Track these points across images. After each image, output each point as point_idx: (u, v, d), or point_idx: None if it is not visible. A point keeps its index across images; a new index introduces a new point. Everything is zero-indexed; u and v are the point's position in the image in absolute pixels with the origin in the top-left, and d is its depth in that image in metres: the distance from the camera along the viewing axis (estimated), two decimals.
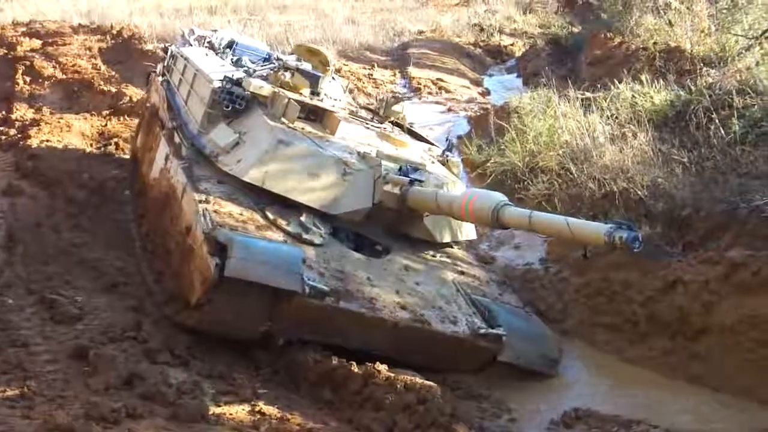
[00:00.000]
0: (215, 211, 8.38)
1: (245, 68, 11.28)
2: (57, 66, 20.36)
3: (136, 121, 16.62)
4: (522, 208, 8.39)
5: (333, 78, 11.78)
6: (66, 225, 11.44)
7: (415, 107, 18.92)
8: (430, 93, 21.41)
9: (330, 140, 9.91)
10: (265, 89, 10.19)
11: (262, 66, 11.51)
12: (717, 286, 8.86)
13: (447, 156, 11.09)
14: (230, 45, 12.92)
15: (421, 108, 19.35)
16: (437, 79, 22.44)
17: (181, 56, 12.27)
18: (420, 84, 21.89)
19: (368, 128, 10.79)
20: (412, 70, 23.26)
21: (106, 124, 16.54)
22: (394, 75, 23.25)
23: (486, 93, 22.34)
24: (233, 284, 7.61)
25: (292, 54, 12.28)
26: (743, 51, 13.36)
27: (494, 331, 8.54)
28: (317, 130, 10.07)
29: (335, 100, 11.20)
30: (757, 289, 8.54)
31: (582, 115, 13.10)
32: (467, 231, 10.33)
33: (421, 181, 9.31)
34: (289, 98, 9.99)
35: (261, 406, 7.23)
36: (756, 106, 11.16)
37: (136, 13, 29.23)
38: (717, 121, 11.20)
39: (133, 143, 13.97)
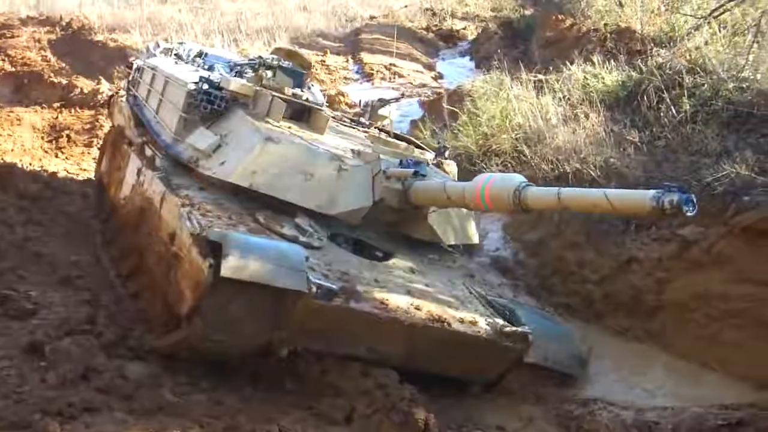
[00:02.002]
0: (202, 215, 7.70)
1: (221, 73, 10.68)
2: (6, 59, 20.21)
3: (89, 112, 16.53)
4: (547, 187, 7.98)
5: (312, 85, 11.25)
6: (18, 219, 11.28)
7: (369, 93, 18.93)
8: (383, 78, 21.40)
9: (320, 140, 9.37)
10: (247, 88, 9.56)
11: (240, 67, 11.06)
12: (670, 263, 8.99)
13: (441, 159, 10.46)
14: (199, 55, 12.33)
15: (374, 93, 19.35)
16: (390, 64, 22.42)
17: (149, 67, 11.60)
18: (373, 69, 21.87)
19: (356, 131, 10.50)
20: (365, 56, 23.23)
21: (57, 117, 16.42)
22: (347, 61, 23.22)
23: (439, 77, 22.38)
24: (229, 288, 6.82)
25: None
26: (692, 30, 13.44)
27: (520, 329, 7.95)
28: (304, 130, 9.51)
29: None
30: (709, 265, 8.66)
31: (534, 97, 13.14)
32: (471, 233, 9.78)
33: (423, 175, 8.63)
34: (274, 96, 9.48)
35: (220, 397, 7.22)
36: (705, 85, 11.25)
37: (85, 4, 28.86)
38: (668, 100, 11.28)
39: (96, 169, 13.21)
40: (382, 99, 11.68)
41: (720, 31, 12.98)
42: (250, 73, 10.31)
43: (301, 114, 9.91)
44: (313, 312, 7.07)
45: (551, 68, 14.91)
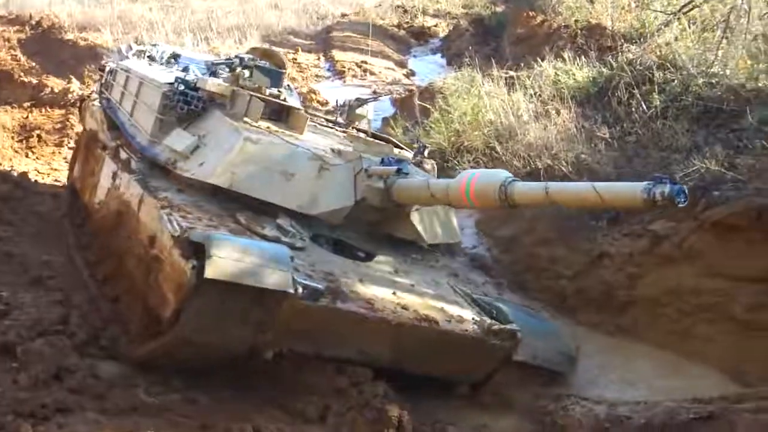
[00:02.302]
0: (182, 217, 7.45)
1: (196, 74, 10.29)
2: None
3: (59, 112, 16.43)
4: (534, 182, 7.80)
5: (288, 86, 11.14)
6: None
7: (340, 90, 18.93)
8: (354, 76, 21.41)
9: (299, 139, 9.13)
10: (224, 88, 9.34)
11: (216, 67, 10.71)
12: (641, 258, 9.03)
13: (421, 158, 10.21)
14: (173, 57, 12.07)
15: (345, 91, 19.35)
16: (361, 61, 22.44)
17: (122, 70, 11.34)
18: (344, 67, 21.88)
19: (335, 131, 10.35)
20: (336, 54, 23.23)
21: (27, 116, 16.31)
22: (318, 59, 23.22)
23: (410, 74, 22.41)
24: (212, 289, 6.60)
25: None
26: (662, 27, 13.50)
27: (508, 327, 7.82)
28: (283, 130, 9.25)
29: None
30: (680, 260, 8.71)
31: (506, 93, 13.18)
32: (453, 231, 9.66)
33: (406, 173, 8.46)
34: (251, 95, 9.24)
35: (194, 396, 7.19)
36: (675, 81, 11.31)
37: (55, 2, 28.70)
38: (638, 96, 11.33)
39: (69, 175, 12.81)
40: (360, 98, 11.38)
41: (689, 27, 13.06)
42: (225, 73, 10.12)
43: (280, 114, 9.66)
44: (298, 313, 6.91)
45: (522, 65, 14.96)
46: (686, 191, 5.92)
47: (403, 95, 18.28)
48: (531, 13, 19.24)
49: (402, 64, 23.60)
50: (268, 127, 9.10)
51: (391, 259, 8.70)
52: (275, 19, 27.41)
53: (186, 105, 9.24)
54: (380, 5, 31.03)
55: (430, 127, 13.68)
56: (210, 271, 6.45)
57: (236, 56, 10.63)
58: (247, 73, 9.73)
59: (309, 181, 8.50)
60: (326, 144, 9.30)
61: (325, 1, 31.71)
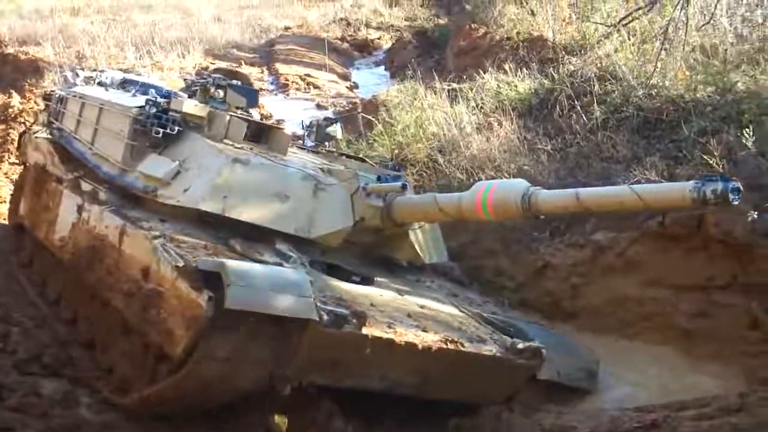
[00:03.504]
0: (177, 246, 7.00)
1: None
2: None
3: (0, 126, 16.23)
4: (560, 190, 7.43)
5: None
6: None
7: (284, 104, 18.89)
8: (298, 89, 21.37)
9: (285, 160, 8.72)
10: (201, 108, 8.91)
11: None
12: (584, 268, 9.10)
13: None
14: (125, 82, 11.56)
15: (289, 105, 19.32)
16: (305, 74, 22.40)
17: (75, 97, 10.81)
18: (288, 80, 21.83)
19: (312, 151, 9.98)
20: (280, 67, 23.19)
21: None
22: (262, 72, 23.13)
23: (354, 87, 22.42)
24: (230, 321, 6.13)
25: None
26: (602, 38, 13.61)
27: (533, 344, 7.46)
28: (266, 152, 8.85)
29: None
30: (622, 269, 8.79)
31: (449, 106, 13.22)
32: (443, 251, 9.32)
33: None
34: (232, 116, 8.95)
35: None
36: (616, 92, 11.42)
37: None
38: (579, 108, 11.44)
39: (12, 212, 12.13)
40: (328, 118, 11.07)
41: (629, 38, 13.18)
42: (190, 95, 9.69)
43: (259, 134, 9.32)
44: (321, 341, 6.38)
45: (465, 77, 15.01)
46: (741, 188, 5.72)
47: (347, 107, 18.26)
48: (473, 26, 19.27)
49: (345, 77, 23.60)
50: (251, 149, 8.71)
51: (391, 282, 8.37)
52: (218, 32, 27.26)
53: (161, 128, 8.69)
54: (324, 16, 31.01)
55: (374, 139, 13.68)
56: (230, 301, 5.96)
57: (205, 77, 10.20)
58: (221, 93, 9.38)
59: (305, 202, 8.12)
60: (313, 164, 8.90)
61: (269, 14, 31.63)
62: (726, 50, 11.38)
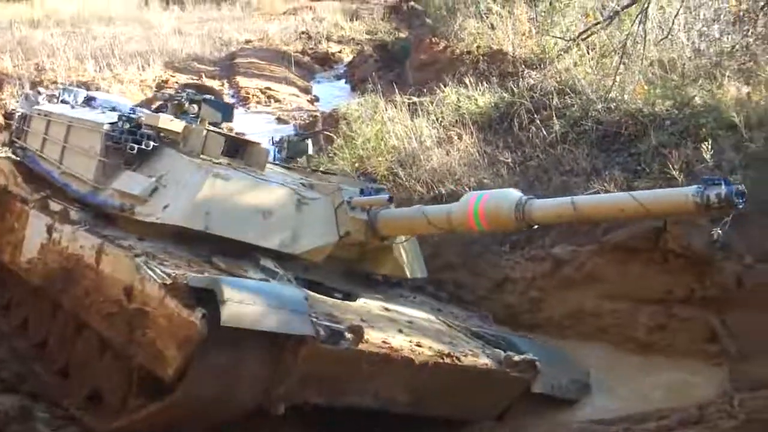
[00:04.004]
0: (160, 264, 6.88)
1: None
2: None
3: None
4: (554, 197, 7.30)
5: None
6: None
7: (244, 117, 18.83)
8: (258, 102, 21.33)
9: (264, 175, 8.55)
10: (176, 124, 8.75)
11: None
12: (543, 282, 9.11)
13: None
14: (89, 99, 11.26)
15: (250, 118, 19.27)
16: (266, 87, 22.37)
17: (40, 115, 10.56)
18: (248, 93, 21.78)
19: (285, 167, 9.77)
20: (240, 80, 23.14)
21: None
22: (222, 85, 23.06)
23: (315, 100, 22.42)
24: (224, 339, 5.98)
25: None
26: (562, 53, 13.68)
27: (528, 357, 7.41)
28: (244, 167, 8.63)
29: None
30: (581, 283, 8.81)
31: (409, 119, 13.20)
32: (423, 266, 9.08)
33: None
34: (209, 131, 8.74)
35: (94, 426, 7.06)
36: (575, 106, 11.48)
37: None
38: (539, 121, 11.48)
39: None
40: (300, 133, 10.81)
41: (588, 52, 13.26)
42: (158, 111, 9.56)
43: (235, 149, 8.99)
44: (318, 358, 6.27)
45: (425, 90, 15.00)
46: (744, 192, 5.56)
47: (308, 121, 18.24)
48: (434, 40, 19.29)
49: (306, 90, 23.60)
50: (228, 164, 8.52)
51: (376, 298, 8.23)
52: (179, 45, 27.19)
53: (136, 144, 8.50)
54: (285, 29, 31.00)
55: (334, 153, 13.64)
56: (226, 319, 5.81)
57: (182, 89, 10.09)
58: (195, 107, 9.27)
59: (288, 217, 7.95)
60: (292, 179, 8.80)
61: (229, 27, 31.62)
62: (684, 65, 11.48)
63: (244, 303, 5.92)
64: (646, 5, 11.56)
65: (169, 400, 6.30)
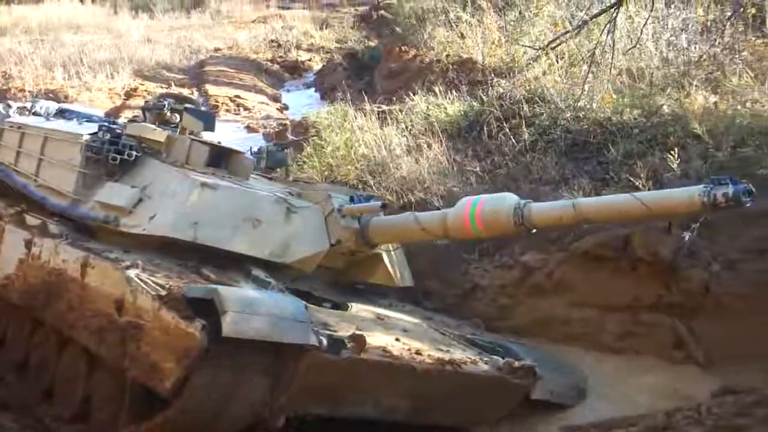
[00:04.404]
0: (151, 275, 6.68)
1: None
2: None
3: None
4: (554, 201, 7.31)
5: None
6: None
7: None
8: (228, 110, 21.28)
9: (250, 185, 8.42)
10: (159, 133, 8.59)
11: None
12: (513, 289, 9.12)
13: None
14: (61, 112, 10.91)
15: (219, 126, 19.17)
16: (235, 96, 22.35)
17: (12, 128, 10.21)
18: (218, 102, 21.74)
19: (266, 177, 9.67)
20: (210, 88, 23.10)
21: None
22: (192, 93, 22.99)
23: (284, 108, 22.42)
24: (226, 350, 5.87)
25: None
26: (531, 61, 13.73)
27: (528, 362, 7.28)
28: (228, 176, 8.49)
29: None
30: (550, 291, 8.84)
31: (378, 127, 13.22)
32: (409, 274, 8.94)
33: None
34: (192, 140, 8.61)
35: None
36: (544, 114, 11.53)
37: None
38: (508, 130, 11.51)
39: None
40: (278, 143, 10.59)
41: (557, 62, 13.31)
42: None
43: (218, 159, 8.81)
44: (320, 368, 6.14)
45: (395, 99, 15.04)
46: (752, 191, 5.55)
47: (277, 129, 18.22)
48: (403, 48, 19.32)
49: (276, 99, 23.61)
50: (212, 173, 8.38)
51: (367, 308, 8.05)
52: (148, 53, 27.12)
53: (118, 154, 8.33)
54: (255, 37, 30.97)
55: (303, 161, 13.63)
56: (228, 329, 5.68)
57: (156, 101, 9.79)
58: (177, 117, 9.08)
59: (278, 226, 7.85)
60: (277, 188, 8.66)
61: (199, 35, 31.57)
62: (652, 74, 11.57)
63: (245, 313, 5.79)
64: (614, 15, 11.62)
65: (165, 415, 6.13)
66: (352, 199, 8.15)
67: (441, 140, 11.97)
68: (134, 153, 8.39)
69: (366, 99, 14.76)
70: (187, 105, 9.47)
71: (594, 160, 10.11)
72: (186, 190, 7.77)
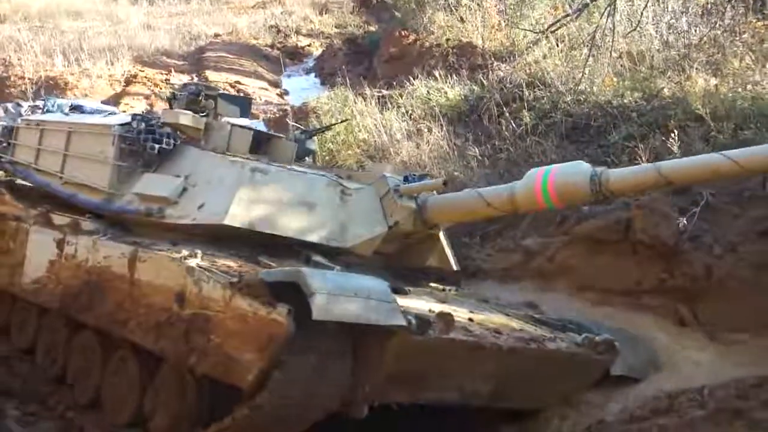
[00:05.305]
0: (211, 265, 6.36)
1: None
2: None
3: None
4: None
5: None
6: None
7: None
8: None
9: (298, 169, 7.92)
10: (198, 120, 8.22)
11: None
12: (515, 273, 9.12)
13: None
14: (75, 108, 10.50)
15: None
16: (235, 81, 22.28)
17: (30, 126, 9.96)
18: (218, 87, 21.67)
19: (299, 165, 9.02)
20: (210, 74, 23.05)
21: None
22: (192, 79, 22.93)
23: (284, 94, 22.38)
24: (314, 335, 5.51)
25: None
26: (531, 45, 13.74)
27: (607, 337, 6.88)
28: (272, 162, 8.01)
29: None
30: (552, 274, 8.84)
31: (378, 112, 13.22)
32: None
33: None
34: (233, 126, 8.31)
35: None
36: (545, 98, 11.54)
37: None
38: (508, 114, 11.52)
39: None
40: (306, 130, 10.10)
41: (557, 45, 13.31)
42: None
43: (259, 144, 8.54)
44: (408, 350, 5.74)
45: (395, 84, 15.04)
46: None
47: (277, 115, 18.20)
48: (403, 32, 19.32)
49: (276, 84, 23.53)
50: (257, 159, 7.90)
51: (424, 293, 7.48)
52: (147, 39, 27.03)
53: (156, 143, 8.12)
54: (254, 23, 30.91)
55: None
56: (318, 312, 5.25)
57: (193, 85, 9.39)
58: (212, 103, 8.71)
59: (333, 209, 7.48)
60: (323, 172, 8.15)
61: (198, 21, 31.47)
62: (652, 57, 11.56)
63: (334, 294, 5.36)
64: None
65: (248, 410, 5.71)
66: (406, 179, 7.70)
67: (441, 125, 11.97)
68: (172, 141, 8.20)
69: (366, 84, 14.76)
70: (221, 91, 9.18)
71: (595, 144, 10.11)
72: (236, 176, 7.45)
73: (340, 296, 5.36)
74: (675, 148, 8.51)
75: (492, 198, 7.06)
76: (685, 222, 7.83)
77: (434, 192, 7.67)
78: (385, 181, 7.65)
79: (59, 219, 8.35)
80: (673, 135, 8.65)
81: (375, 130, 12.57)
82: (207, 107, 8.57)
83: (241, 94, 9.19)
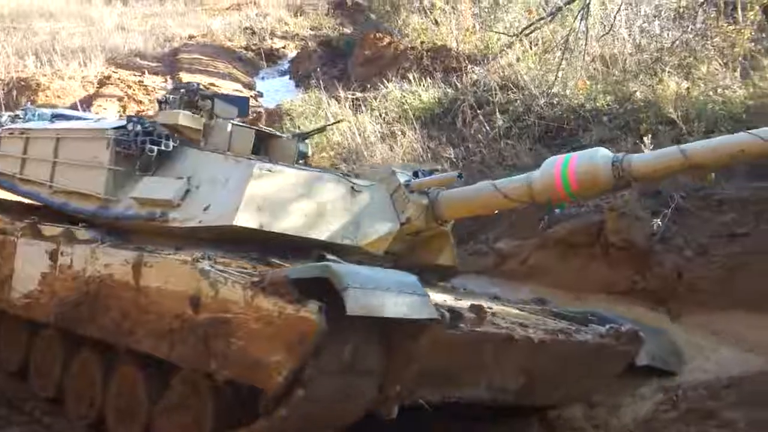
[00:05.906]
0: (225, 267, 6.03)
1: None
2: None
3: None
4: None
5: None
6: None
7: None
8: None
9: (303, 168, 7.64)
10: (197, 120, 7.90)
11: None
12: (489, 276, 9.15)
13: None
14: (57, 116, 10.46)
15: None
16: (209, 83, 22.21)
17: (12, 135, 9.58)
18: None
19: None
20: (184, 76, 23.00)
21: None
22: (166, 81, 22.92)
23: (259, 96, 22.37)
24: (346, 332, 5.19)
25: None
26: (505, 48, 13.76)
27: (631, 327, 6.69)
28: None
29: None
30: (525, 276, 8.86)
31: (353, 115, 13.22)
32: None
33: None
34: (234, 125, 8.00)
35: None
36: (518, 101, 11.57)
37: None
38: (482, 116, 11.55)
39: None
40: (300, 133, 9.86)
41: (531, 48, 13.35)
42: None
43: (257, 145, 8.23)
44: (440, 346, 5.45)
45: (369, 86, 15.05)
46: None
47: (252, 116, 18.16)
48: (378, 35, 19.31)
49: (250, 86, 23.53)
50: (260, 159, 7.51)
51: (434, 291, 6.94)
52: (121, 41, 26.96)
53: (155, 146, 7.67)
54: (229, 25, 30.85)
55: None
56: (352, 307, 4.93)
57: (186, 87, 8.76)
58: (209, 103, 8.28)
59: (345, 207, 7.18)
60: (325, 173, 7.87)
61: (173, 23, 31.39)
62: (625, 60, 11.62)
63: (365, 288, 5.06)
64: (588, 1, 11.66)
65: (276, 416, 5.43)
66: (416, 174, 7.50)
67: (415, 127, 12.00)
68: (171, 143, 7.80)
69: (340, 86, 14.75)
70: (217, 92, 9.02)
71: (568, 147, 10.10)
72: (242, 175, 7.05)
73: (375, 290, 5.10)
74: (647, 152, 8.54)
75: (508, 189, 6.79)
76: (660, 223, 7.88)
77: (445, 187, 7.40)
78: (395, 177, 7.42)
79: (50, 230, 8.02)
80: (645, 138, 8.69)
81: (349, 133, 12.56)
82: (203, 108, 8.25)
83: (239, 96, 8.84)
